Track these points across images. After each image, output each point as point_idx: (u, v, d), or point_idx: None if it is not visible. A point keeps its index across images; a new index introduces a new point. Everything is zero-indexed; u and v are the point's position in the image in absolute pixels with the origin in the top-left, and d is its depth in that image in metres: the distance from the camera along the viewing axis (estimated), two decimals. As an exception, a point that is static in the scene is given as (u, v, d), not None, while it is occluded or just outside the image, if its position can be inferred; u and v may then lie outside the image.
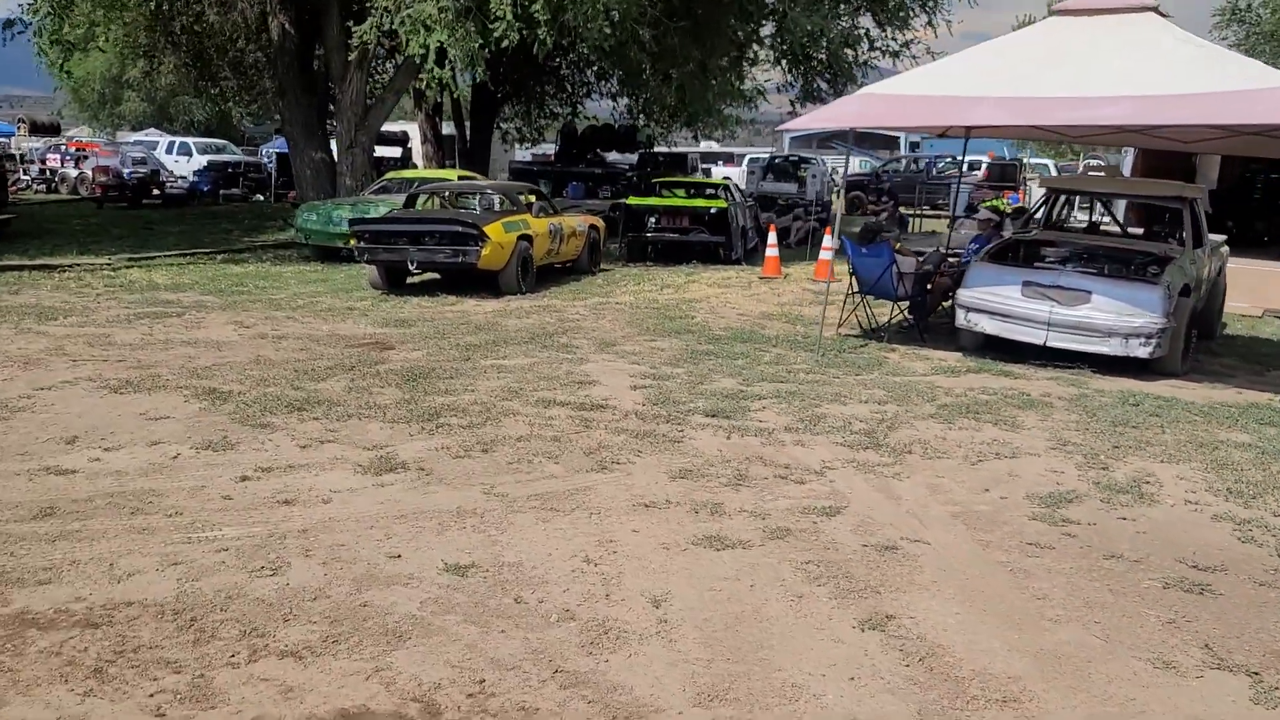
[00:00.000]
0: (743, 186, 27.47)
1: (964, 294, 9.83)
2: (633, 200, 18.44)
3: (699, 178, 24.26)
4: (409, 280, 13.75)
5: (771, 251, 15.91)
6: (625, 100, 29.59)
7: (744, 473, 5.79)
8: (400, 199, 16.96)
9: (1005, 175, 23.00)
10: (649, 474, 5.75)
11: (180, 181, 29.31)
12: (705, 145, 46.64)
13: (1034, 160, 38.25)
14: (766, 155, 47.39)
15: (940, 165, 35.03)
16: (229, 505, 5.13)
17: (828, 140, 68.32)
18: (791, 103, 21.07)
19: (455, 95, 16.39)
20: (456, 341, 9.64)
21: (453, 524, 4.92)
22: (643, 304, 12.54)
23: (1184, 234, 10.22)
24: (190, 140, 36.93)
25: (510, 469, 5.80)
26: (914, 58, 21.00)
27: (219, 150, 37.06)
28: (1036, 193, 22.93)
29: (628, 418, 6.96)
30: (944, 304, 11.54)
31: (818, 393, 7.90)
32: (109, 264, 15.30)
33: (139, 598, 4.05)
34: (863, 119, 9.37)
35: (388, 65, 26.51)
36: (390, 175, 19.40)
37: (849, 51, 20.09)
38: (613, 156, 33.67)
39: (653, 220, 18.17)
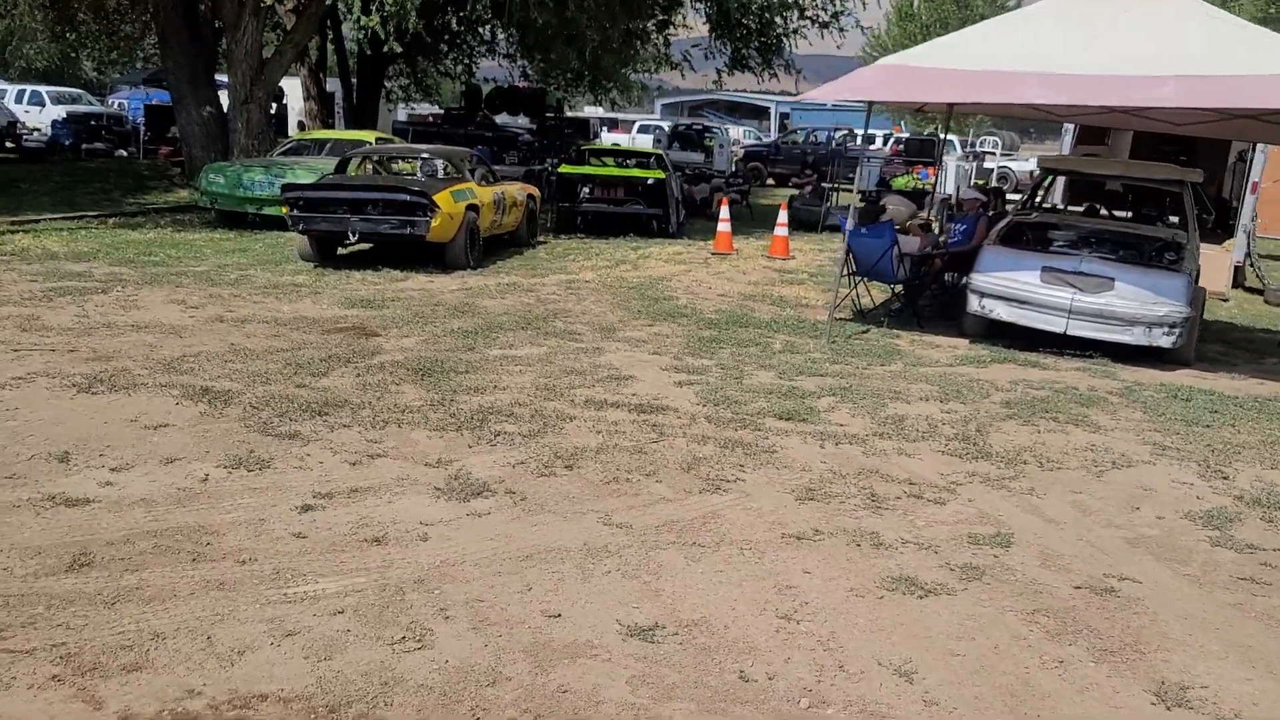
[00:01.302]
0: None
1: (978, 279, 9.41)
2: (565, 169, 17.54)
3: (630, 146, 23.44)
4: (340, 251, 12.64)
5: (724, 227, 15.31)
6: (523, 63, 28.50)
7: (871, 492, 5.17)
8: (316, 162, 15.73)
9: (924, 150, 22.89)
10: (769, 495, 5.07)
11: (36, 134, 26.86)
12: (589, 110, 45.55)
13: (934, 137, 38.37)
14: (654, 122, 46.79)
15: (838, 138, 35.06)
16: (307, 546, 4.23)
17: (698, 109, 68.25)
18: (719, 71, 20.44)
19: (385, 48, 15.03)
20: (444, 327, 8.72)
21: (592, 566, 4.15)
22: (612, 283, 11.77)
23: (1186, 218, 10.03)
24: (43, 89, 33.95)
25: (610, 490, 5.03)
26: (842, 29, 20.69)
27: (74, 100, 34.21)
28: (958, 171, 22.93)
29: (696, 422, 6.25)
30: (930, 287, 11.18)
31: (871, 389, 7.33)
32: (-10, 229, 13.65)
33: (270, 688, 3.18)
34: (883, 92, 8.80)
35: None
36: (300, 135, 17.95)
37: (778, 20, 19.57)
38: (502, 119, 32.44)
39: (586, 190, 17.32)
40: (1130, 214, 11.11)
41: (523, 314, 9.52)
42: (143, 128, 28.91)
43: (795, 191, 22.10)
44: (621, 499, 4.92)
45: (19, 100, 32.28)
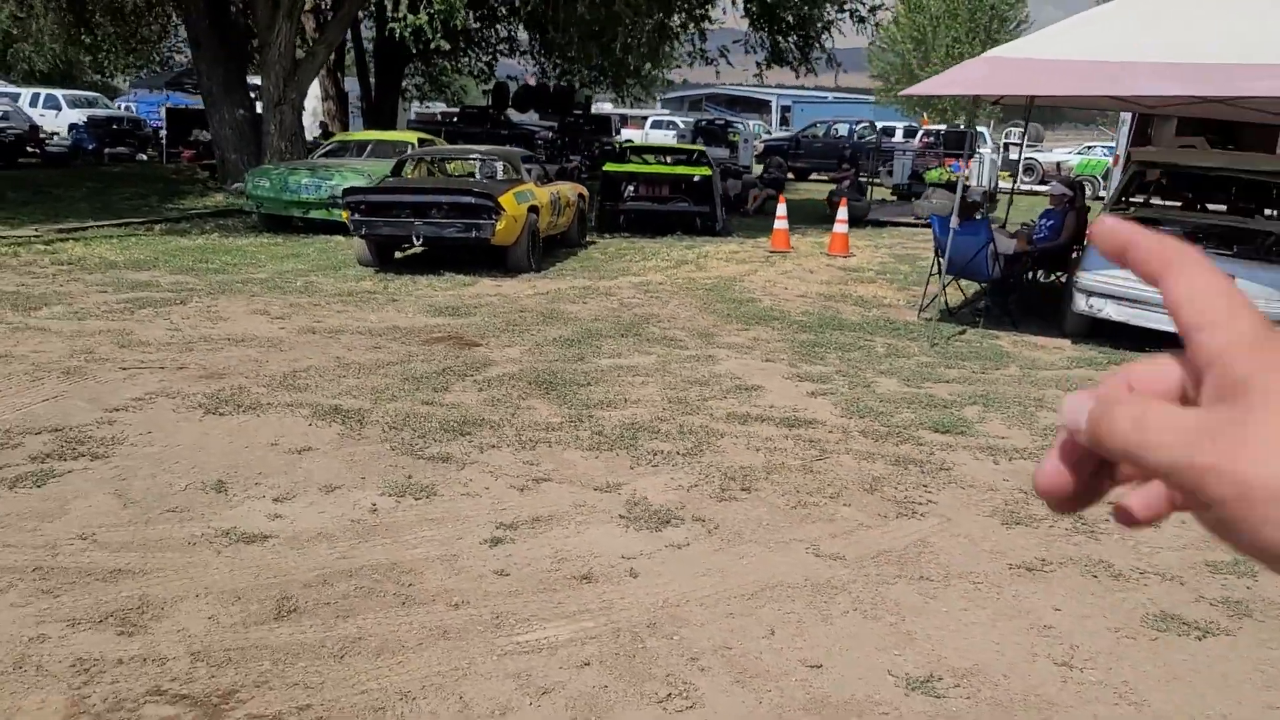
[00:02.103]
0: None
1: (1086, 277, 9.12)
2: (610, 167, 17.23)
3: (673, 143, 23.11)
4: (395, 255, 12.37)
5: (780, 224, 15.00)
6: (542, 60, 28.12)
7: (1077, 514, 4.87)
8: (363, 164, 15.44)
9: (962, 143, 22.52)
10: (970, 519, 4.79)
11: (55, 138, 26.52)
12: (595, 108, 45.14)
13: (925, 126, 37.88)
14: (666, 117, 46.43)
15: (859, 131, 34.70)
16: (515, 586, 3.94)
17: (698, 103, 67.75)
18: (759, 65, 20.11)
19: (431, 45, 14.72)
20: (541, 335, 8.43)
21: (827, 606, 3.87)
22: (685, 285, 11.48)
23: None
24: (59, 92, 33.55)
25: (801, 516, 4.75)
26: (878, 24, 20.40)
27: (90, 104, 33.82)
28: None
29: (851, 436, 5.97)
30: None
31: (1009, 396, 7.05)
32: (37, 235, 13.34)
33: (553, 757, 2.90)
34: (991, 85, 8.51)
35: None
36: (342, 136, 17.63)
37: (817, 13, 19.26)
38: (518, 117, 32.08)
39: (631, 189, 17.02)
40: (1228, 208, 10.82)
41: (613, 320, 9.23)
42: (164, 130, 28.50)
43: (834, 186, 21.80)
44: (817, 525, 4.63)
45: (33, 104, 31.88)
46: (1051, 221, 10.88)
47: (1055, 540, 4.56)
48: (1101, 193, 29.56)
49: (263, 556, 4.14)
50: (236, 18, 22.03)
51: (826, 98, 67.49)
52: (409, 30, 14.86)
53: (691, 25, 19.85)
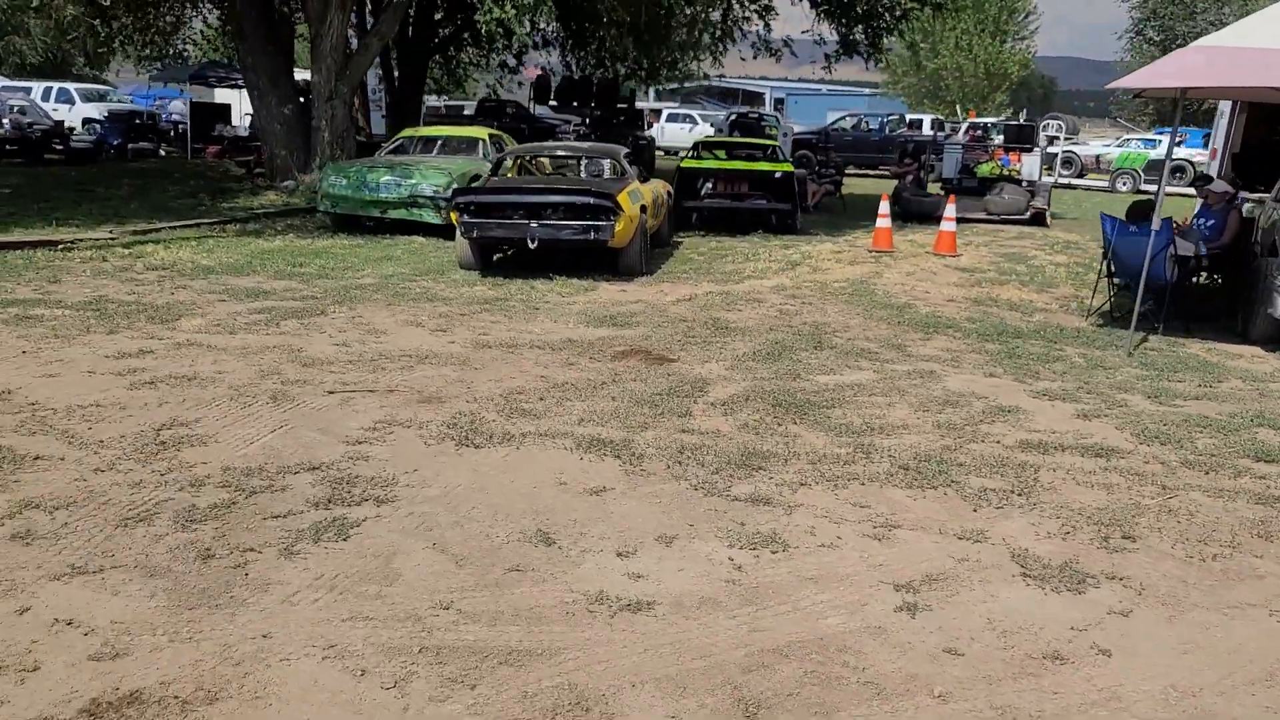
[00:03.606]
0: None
1: (1291, 279, 8.61)
2: (687, 163, 16.66)
3: (745, 138, 22.50)
4: (494, 257, 11.78)
5: (883, 223, 14.44)
6: (578, 53, 27.38)
7: None
8: (444, 162, 14.77)
9: (1022, 136, 22.06)
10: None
11: (77, 134, 25.65)
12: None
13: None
14: (681, 111, 45.81)
15: (888, 124, 34.22)
16: (982, 670, 3.39)
17: (691, 96, 66.97)
18: (827, 57, 19.54)
19: (517, 41, 14.09)
20: (730, 349, 7.87)
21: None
22: (822, 288, 10.93)
23: None
24: (71, 86, 32.63)
25: (1219, 571, 4.21)
26: (956, 10, 19.90)
27: (102, 98, 32.93)
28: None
29: (1174, 469, 5.43)
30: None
31: (1281, 416, 6.54)
32: (113, 238, 12.65)
33: None
34: (1205, 76, 7.97)
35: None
36: (408, 132, 16.93)
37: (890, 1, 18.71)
38: (537, 111, 31.35)
39: (709, 185, 16.42)
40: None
41: (788, 329, 8.68)
42: (188, 126, 27.67)
43: (896, 182, 21.31)
44: (1249, 584, 4.09)
45: (46, 98, 30.94)
46: (1213, 221, 10.38)
47: None
48: (1143, 185, 29.21)
49: (662, 630, 3.55)
50: (283, 8, 21.29)
51: (821, 90, 66.96)
52: (494, 23, 14.18)
53: (756, 17, 19.26)
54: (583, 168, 12.97)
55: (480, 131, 17.06)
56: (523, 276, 10.94)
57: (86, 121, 29.63)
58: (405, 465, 5.03)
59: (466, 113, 37.52)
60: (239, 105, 30.25)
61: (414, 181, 13.94)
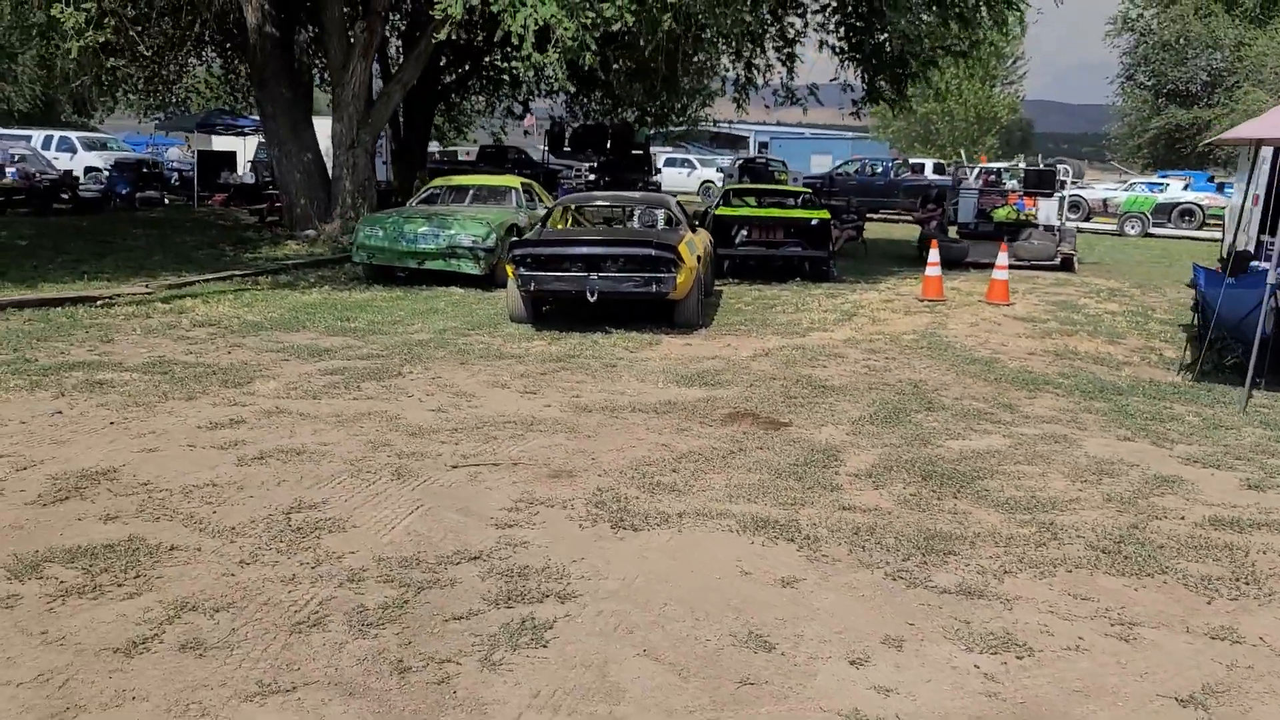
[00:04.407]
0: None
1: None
2: (722, 210, 16.39)
3: (778, 185, 22.28)
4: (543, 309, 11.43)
5: (933, 271, 14.16)
6: (584, 100, 27.19)
7: None
8: (483, 211, 14.46)
9: (1043, 181, 21.91)
10: None
11: (88, 182, 25.23)
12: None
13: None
14: (678, 155, 45.78)
15: (893, 169, 34.20)
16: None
17: (677, 140, 67.16)
18: (854, 103, 19.39)
19: (557, 86, 13.84)
20: (839, 410, 7.52)
21: None
22: (893, 341, 10.61)
23: None
24: (73, 135, 32.22)
25: None
26: (979, 59, 19.83)
27: (104, 146, 32.50)
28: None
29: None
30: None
31: None
32: (149, 292, 12.23)
33: None
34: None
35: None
36: (438, 182, 16.60)
37: (916, 49, 18.57)
38: (537, 156, 31.12)
39: (743, 233, 16.14)
40: None
41: (885, 387, 8.35)
42: (195, 174, 27.27)
43: (920, 227, 21.14)
44: None
45: (46, 146, 30.50)
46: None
47: None
48: (1151, 229, 29.19)
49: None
50: (302, 57, 21.01)
51: (804, 134, 67.33)
52: (530, 70, 13.91)
53: (780, 64, 19.12)
54: (635, 218, 12.63)
55: (513, 180, 16.76)
56: (579, 330, 10.58)
57: (89, 170, 29.21)
58: (568, 553, 4.62)
59: (461, 159, 37.37)
60: (243, 153, 29.93)
61: (452, 232, 13.61)
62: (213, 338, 9.71)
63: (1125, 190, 31.43)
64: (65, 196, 23.28)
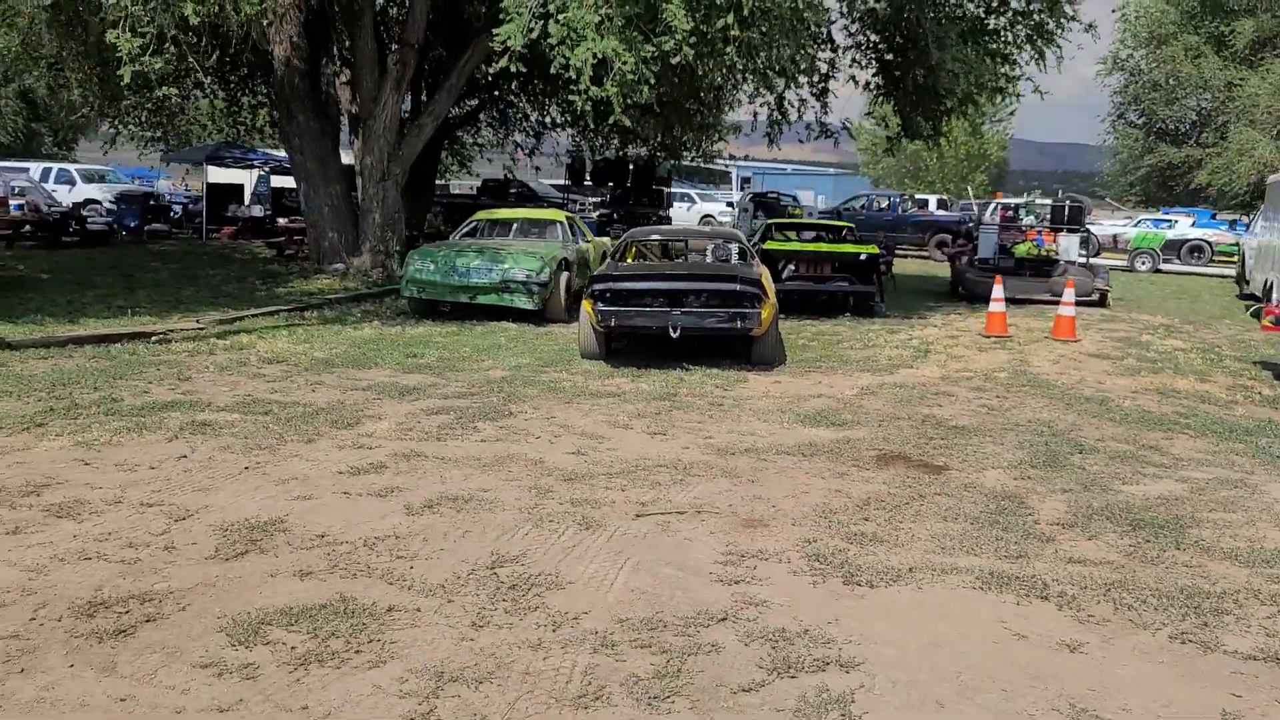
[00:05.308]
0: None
1: None
2: (769, 245, 16.10)
3: (818, 220, 22.06)
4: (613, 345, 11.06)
5: (996, 307, 13.93)
6: (591, 135, 26.91)
7: None
8: (535, 245, 14.10)
9: (1073, 217, 21.80)
10: None
11: (98, 215, 24.67)
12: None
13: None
14: (682, 190, 45.62)
15: (900, 203, 34.14)
16: None
17: (685, 175, 67.10)
18: (889, 139, 19.23)
19: (612, 120, 13.54)
20: (987, 453, 7.19)
21: None
22: (989, 378, 10.30)
23: None
24: (72, 167, 31.64)
25: None
26: (1017, 95, 19.76)
27: (102, 178, 31.90)
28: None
29: None
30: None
31: None
32: (201, 329, 11.76)
33: None
34: None
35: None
36: (480, 216, 16.23)
37: (954, 85, 18.43)
38: (541, 190, 30.80)
39: (790, 268, 15.85)
40: None
41: (1019, 427, 8.02)
42: (204, 207, 26.77)
43: (953, 264, 20.98)
44: None
45: (45, 178, 29.87)
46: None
47: None
48: (1161, 265, 29.20)
49: None
50: (330, 90, 20.65)
51: (786, 169, 67.42)
52: (589, 104, 13.60)
53: (814, 99, 18.93)
54: (709, 253, 12.31)
55: (558, 214, 16.43)
56: (655, 367, 10.20)
57: (89, 202, 28.63)
58: (817, 613, 4.23)
59: (455, 193, 36.98)
60: (249, 185, 29.47)
61: (506, 266, 13.22)
62: (288, 375, 9.28)
63: (1134, 226, 31.50)
64: (73, 229, 22.74)
